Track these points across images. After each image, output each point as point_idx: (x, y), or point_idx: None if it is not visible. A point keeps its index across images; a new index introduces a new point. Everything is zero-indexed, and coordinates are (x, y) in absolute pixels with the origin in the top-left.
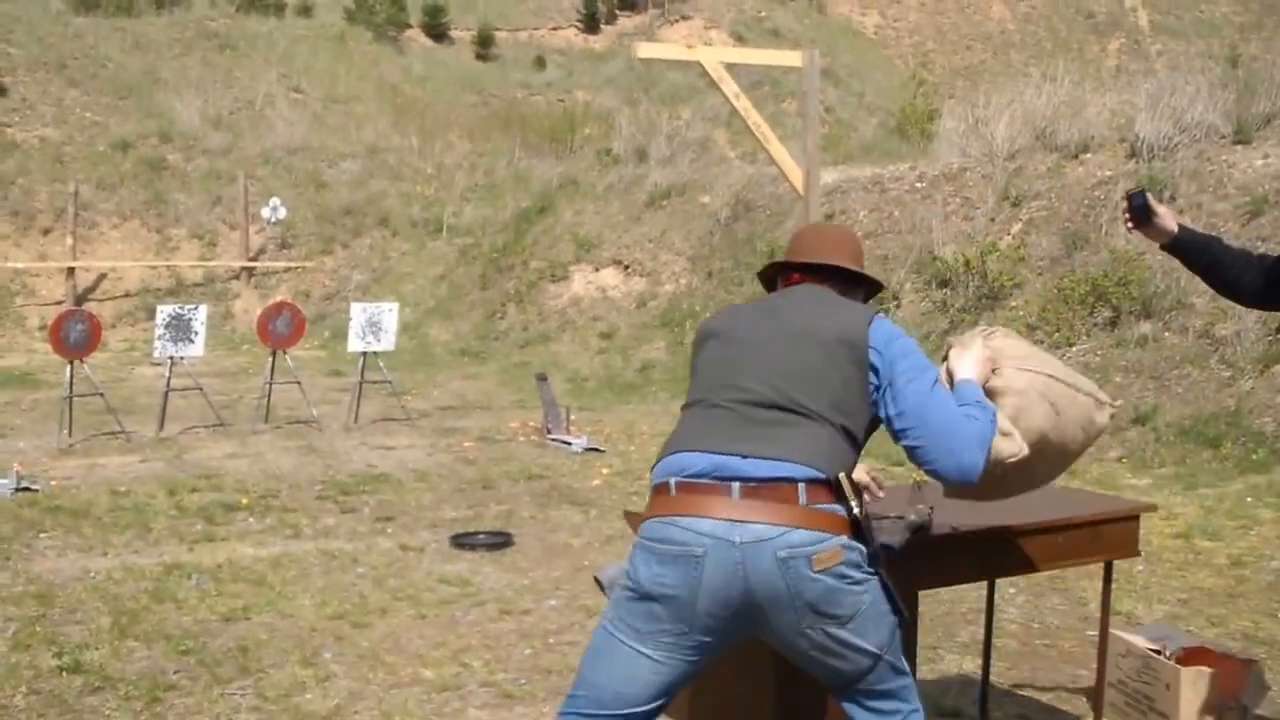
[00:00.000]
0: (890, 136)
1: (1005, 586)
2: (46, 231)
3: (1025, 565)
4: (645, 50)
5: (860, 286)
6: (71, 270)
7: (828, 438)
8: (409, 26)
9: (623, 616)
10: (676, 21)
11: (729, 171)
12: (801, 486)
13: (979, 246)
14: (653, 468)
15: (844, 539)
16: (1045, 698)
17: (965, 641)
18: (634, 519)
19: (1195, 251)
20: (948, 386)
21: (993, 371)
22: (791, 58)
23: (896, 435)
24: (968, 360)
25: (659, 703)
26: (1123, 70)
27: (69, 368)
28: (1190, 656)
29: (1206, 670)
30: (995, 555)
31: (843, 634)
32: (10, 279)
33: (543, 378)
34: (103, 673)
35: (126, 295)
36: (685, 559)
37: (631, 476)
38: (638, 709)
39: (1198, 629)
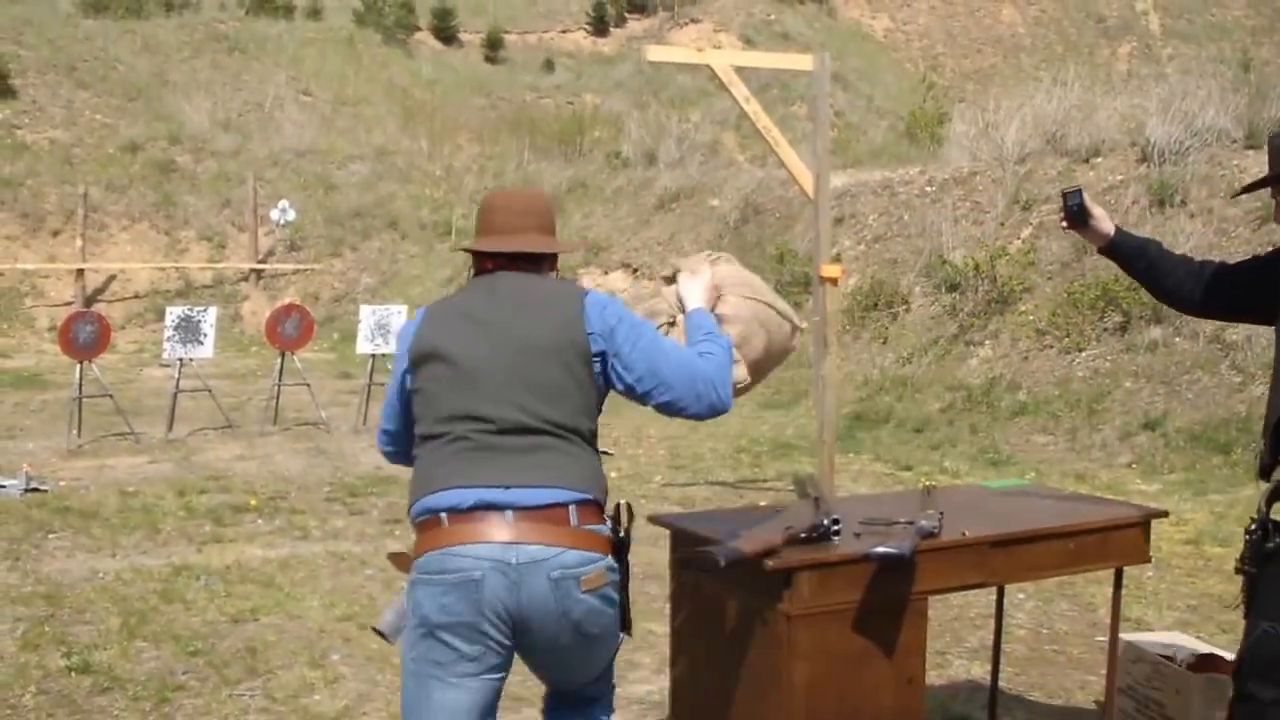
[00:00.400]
0: (900, 140)
1: (1014, 592)
2: (56, 233)
3: (1035, 571)
4: (655, 53)
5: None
6: (81, 272)
7: (587, 457)
8: (418, 29)
9: (422, 655)
10: (686, 25)
11: (738, 175)
12: (572, 509)
13: (989, 250)
14: (410, 508)
15: (609, 560)
16: (1054, 703)
17: (974, 647)
18: (401, 559)
19: (1133, 256)
20: (677, 309)
21: (718, 298)
22: (802, 61)
23: (643, 398)
24: (696, 288)
25: None
26: (1133, 74)
27: (78, 369)
28: (1202, 664)
29: (1218, 677)
30: (1005, 561)
31: (590, 648)
32: (20, 280)
33: None
34: (111, 673)
35: (136, 297)
36: (465, 584)
37: (640, 479)
38: None
39: (1208, 635)
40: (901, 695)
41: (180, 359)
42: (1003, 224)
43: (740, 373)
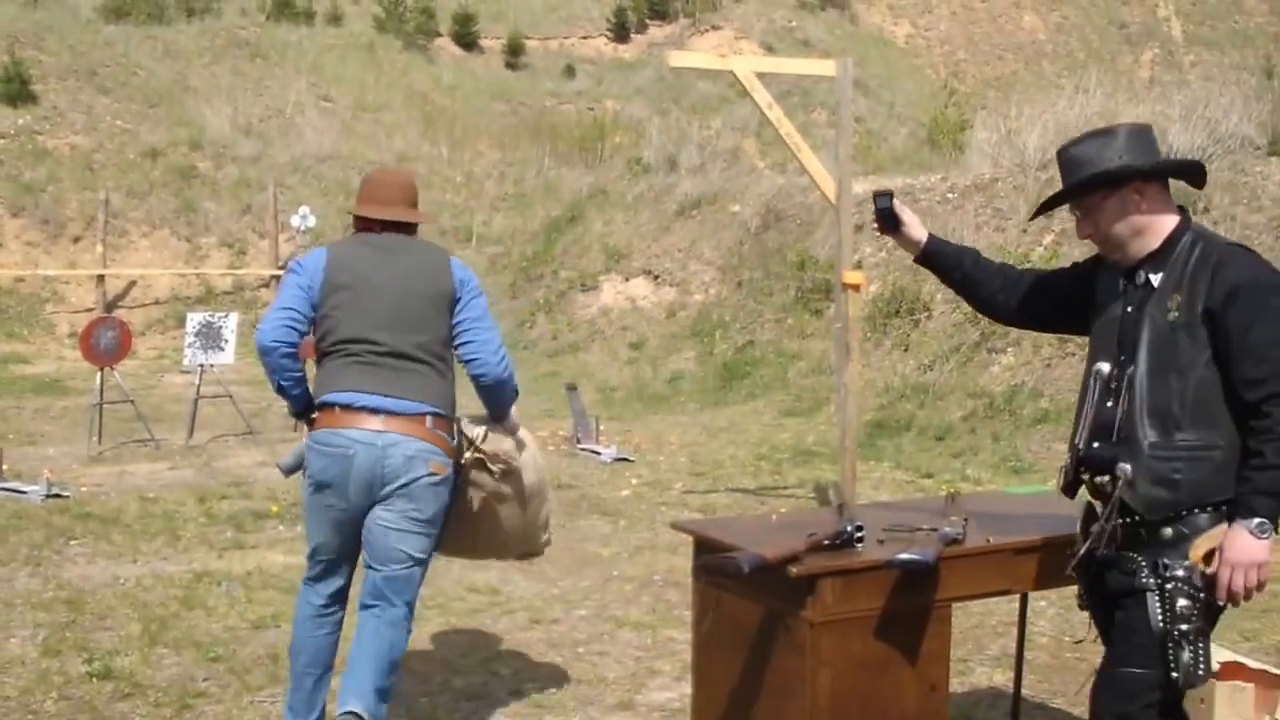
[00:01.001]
0: (921, 147)
1: (1036, 599)
2: (77, 239)
3: (1058, 578)
4: (677, 59)
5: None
6: (102, 278)
7: (444, 380)
8: (438, 35)
9: (310, 498)
10: (707, 31)
11: (759, 181)
12: (429, 419)
13: (1011, 258)
14: (317, 399)
15: (451, 461)
16: (1077, 710)
17: (996, 655)
18: (310, 425)
19: (948, 265)
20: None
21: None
22: (825, 67)
23: (459, 345)
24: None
25: (351, 556)
26: (1156, 81)
27: (99, 375)
28: (1225, 671)
29: (1242, 685)
30: (1029, 567)
31: (416, 526)
32: (41, 286)
33: (572, 387)
34: (132, 679)
35: (156, 303)
36: (342, 458)
37: (661, 487)
38: (341, 558)
39: (1230, 643)
40: (924, 703)
41: (201, 365)
42: (1025, 231)
43: (528, 445)
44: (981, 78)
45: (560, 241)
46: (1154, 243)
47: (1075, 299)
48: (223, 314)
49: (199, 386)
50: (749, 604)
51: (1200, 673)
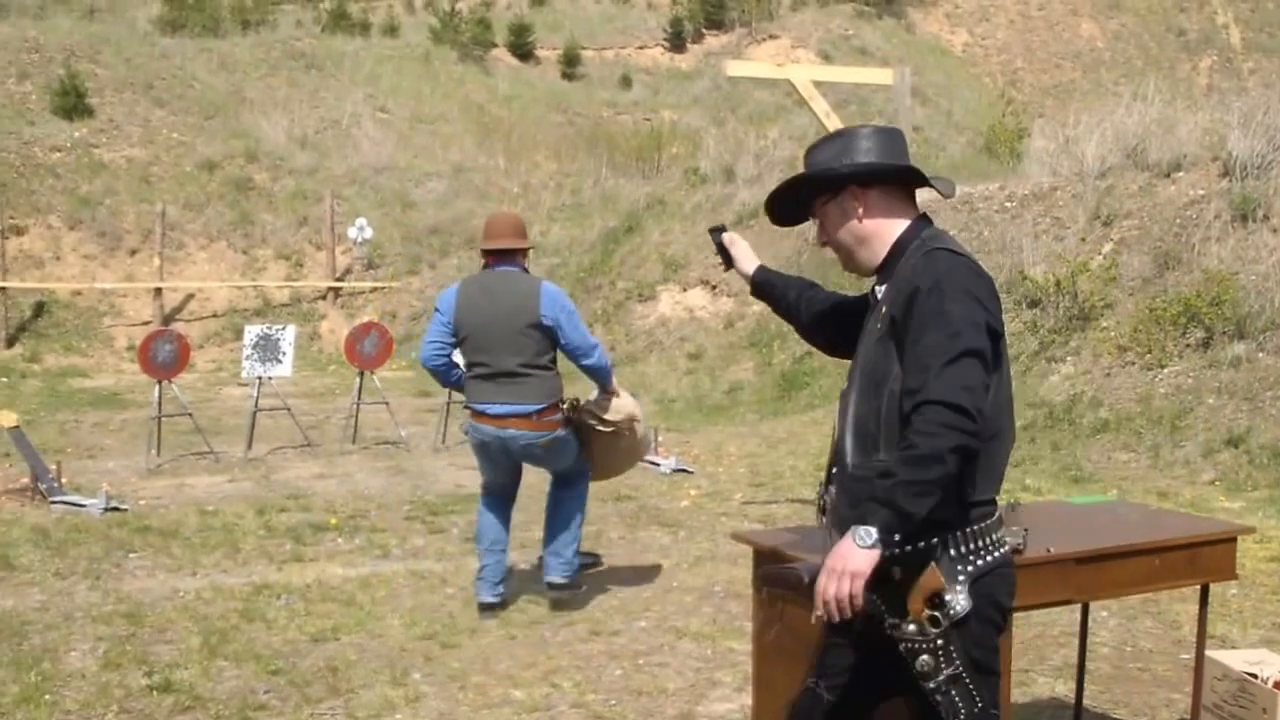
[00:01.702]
0: (979, 155)
1: (1097, 609)
2: (134, 252)
3: (1121, 588)
4: (735, 68)
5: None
6: (159, 291)
7: (544, 383)
8: (494, 46)
9: (476, 455)
10: (764, 40)
11: None
12: (534, 414)
13: (1070, 266)
14: (468, 404)
15: (558, 433)
16: None
17: (1057, 665)
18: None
19: (775, 296)
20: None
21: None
22: (882, 75)
23: (565, 350)
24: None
25: (508, 485)
26: (1214, 88)
27: (157, 388)
28: None
29: None
30: (1089, 578)
31: (557, 456)
32: (99, 299)
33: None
34: (193, 692)
35: (214, 316)
36: (482, 442)
37: (720, 498)
38: (500, 486)
39: None
40: None
41: (259, 377)
42: (1083, 239)
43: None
44: (1039, 86)
45: (618, 252)
46: (881, 252)
47: (853, 325)
48: (280, 326)
49: (257, 399)
50: (809, 614)
51: (983, 712)
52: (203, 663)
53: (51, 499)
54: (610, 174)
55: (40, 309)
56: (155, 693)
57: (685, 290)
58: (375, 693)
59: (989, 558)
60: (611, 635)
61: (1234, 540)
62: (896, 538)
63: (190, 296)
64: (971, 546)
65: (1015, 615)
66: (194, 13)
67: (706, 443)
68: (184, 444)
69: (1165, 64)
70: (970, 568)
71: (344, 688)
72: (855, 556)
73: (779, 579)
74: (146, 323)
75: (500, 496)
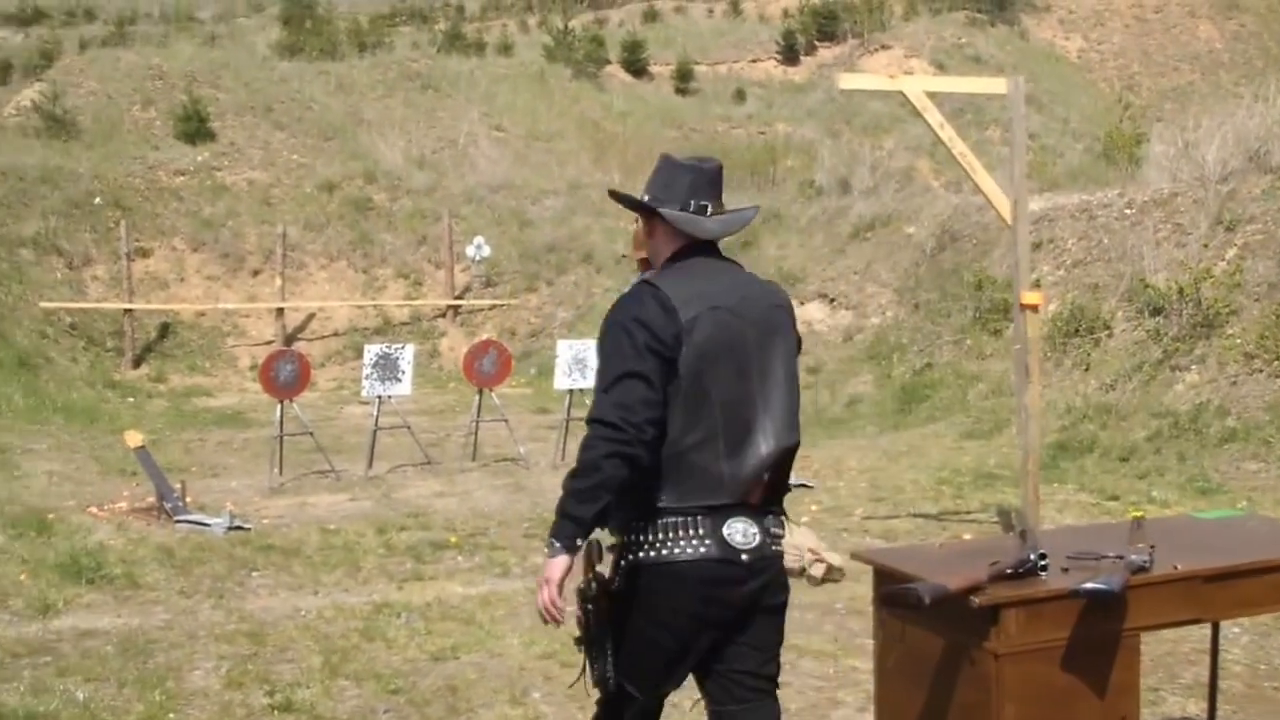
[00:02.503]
0: (1097, 162)
1: (1229, 627)
2: (256, 273)
3: (1252, 606)
4: (848, 81)
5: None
6: (280, 311)
7: None
8: (608, 63)
9: None
10: (876, 51)
11: (933, 201)
12: None
13: (1192, 273)
14: None
15: None
16: None
17: (1189, 683)
18: None
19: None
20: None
21: None
22: (996, 84)
23: None
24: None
25: None
26: None
27: (279, 407)
28: None
29: None
30: (1219, 596)
31: None
32: (222, 320)
33: None
34: (314, 711)
35: (334, 335)
36: None
37: (840, 512)
38: None
39: None
40: None
41: (379, 396)
42: (1206, 245)
43: None
44: (1157, 90)
45: None
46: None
47: None
48: (399, 345)
49: (377, 418)
50: (931, 635)
51: (602, 676)
52: (324, 682)
53: (176, 518)
54: (726, 188)
55: (165, 330)
56: (277, 712)
57: (803, 304)
58: (494, 712)
59: (653, 554)
60: None
61: None
62: (578, 542)
63: (311, 316)
64: (637, 539)
65: (1144, 633)
66: (312, 36)
67: (826, 457)
68: (305, 463)
69: None
70: (632, 557)
71: (463, 707)
72: (547, 566)
73: (899, 599)
74: (269, 342)
75: None
